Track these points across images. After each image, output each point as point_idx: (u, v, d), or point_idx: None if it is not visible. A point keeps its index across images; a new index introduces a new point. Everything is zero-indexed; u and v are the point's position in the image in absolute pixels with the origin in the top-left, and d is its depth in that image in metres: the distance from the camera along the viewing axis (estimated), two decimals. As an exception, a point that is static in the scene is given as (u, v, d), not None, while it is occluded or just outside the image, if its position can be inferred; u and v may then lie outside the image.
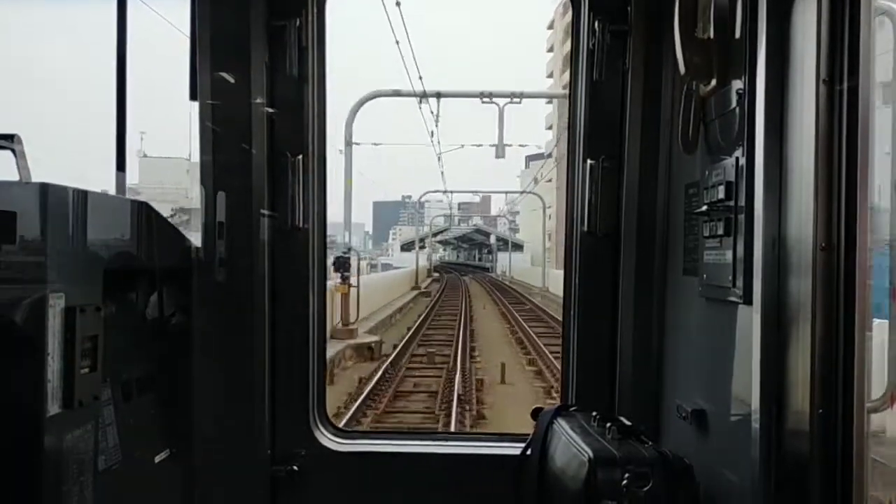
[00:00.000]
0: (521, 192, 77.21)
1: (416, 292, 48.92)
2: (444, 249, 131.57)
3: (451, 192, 73.60)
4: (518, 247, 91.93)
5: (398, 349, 22.62)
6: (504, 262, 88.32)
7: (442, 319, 33.22)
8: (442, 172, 56.82)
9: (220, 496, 3.19)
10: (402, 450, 3.50)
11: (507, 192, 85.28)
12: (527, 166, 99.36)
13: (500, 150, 29.33)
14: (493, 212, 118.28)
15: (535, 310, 37.36)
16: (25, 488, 2.11)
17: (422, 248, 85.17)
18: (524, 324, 29.81)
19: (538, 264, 67.56)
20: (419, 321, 31.27)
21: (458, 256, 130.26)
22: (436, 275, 77.45)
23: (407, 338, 25.49)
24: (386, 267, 70.95)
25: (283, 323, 3.37)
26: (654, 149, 3.23)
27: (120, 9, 3.13)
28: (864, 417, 1.99)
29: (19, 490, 2.11)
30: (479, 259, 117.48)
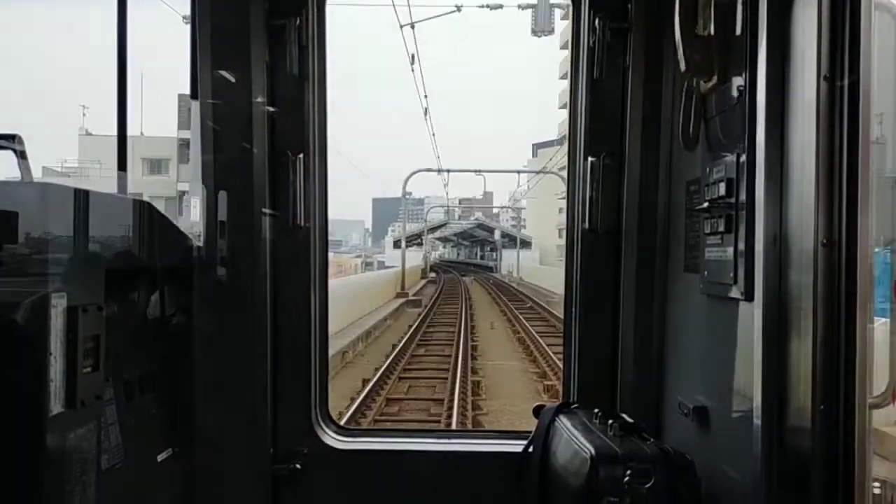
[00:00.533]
0: (538, 172, 65.80)
1: (401, 301, 38.30)
2: (444, 247, 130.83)
3: (447, 170, 54.74)
4: (525, 243, 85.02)
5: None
6: (509, 261, 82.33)
7: (429, 353, 22.66)
8: (426, 110, 40.02)
9: (222, 495, 3.19)
10: (404, 447, 3.50)
11: (518, 172, 68.82)
12: (534, 155, 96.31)
13: (542, 16, 13.82)
14: (495, 211, 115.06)
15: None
16: (28, 488, 2.12)
17: (419, 244, 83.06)
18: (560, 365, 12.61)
19: (548, 263, 63.28)
20: (393, 356, 20.98)
21: (458, 254, 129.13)
22: (432, 275, 72.49)
23: (357, 406, 14.68)
24: (382, 265, 69.69)
25: (284, 321, 3.37)
26: (655, 146, 3.23)
27: (120, 7, 3.13)
28: (866, 414, 2.00)
29: (22, 489, 2.11)
30: (482, 257, 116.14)
